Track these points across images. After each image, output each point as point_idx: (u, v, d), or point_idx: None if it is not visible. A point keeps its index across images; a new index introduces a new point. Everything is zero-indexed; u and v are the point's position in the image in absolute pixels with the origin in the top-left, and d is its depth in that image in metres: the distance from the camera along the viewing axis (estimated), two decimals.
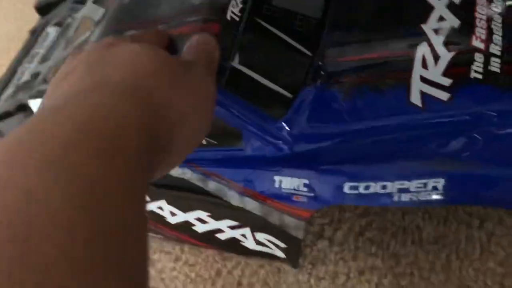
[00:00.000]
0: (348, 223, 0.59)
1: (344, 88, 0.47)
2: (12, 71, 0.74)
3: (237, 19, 0.49)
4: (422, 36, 0.46)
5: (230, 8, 0.49)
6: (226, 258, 0.60)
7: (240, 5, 0.50)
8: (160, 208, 0.54)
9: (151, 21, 0.53)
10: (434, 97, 0.44)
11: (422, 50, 0.46)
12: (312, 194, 0.46)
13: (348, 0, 0.52)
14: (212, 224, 0.54)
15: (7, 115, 0.63)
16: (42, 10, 0.82)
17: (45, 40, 0.73)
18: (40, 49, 0.72)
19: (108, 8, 0.60)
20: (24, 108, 0.59)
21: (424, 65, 0.45)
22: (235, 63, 0.47)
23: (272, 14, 0.51)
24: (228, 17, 0.49)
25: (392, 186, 0.42)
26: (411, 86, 0.45)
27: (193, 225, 0.55)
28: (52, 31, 0.73)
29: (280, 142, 0.46)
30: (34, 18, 0.85)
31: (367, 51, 0.48)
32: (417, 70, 0.45)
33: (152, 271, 0.62)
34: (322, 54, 0.49)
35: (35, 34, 0.78)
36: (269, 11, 0.51)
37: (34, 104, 0.56)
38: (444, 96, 0.43)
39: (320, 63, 0.49)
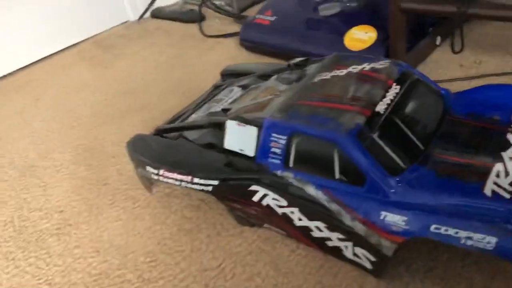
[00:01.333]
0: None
1: (440, 172, 0.72)
2: (197, 106, 1.07)
3: (382, 112, 0.77)
4: (500, 158, 0.71)
5: (379, 105, 0.78)
6: (328, 258, 0.82)
7: (385, 105, 0.78)
8: (292, 212, 0.78)
9: (327, 96, 0.82)
10: (499, 194, 0.67)
11: (498, 166, 0.70)
12: (407, 227, 0.68)
13: (454, 123, 0.79)
14: (326, 233, 0.76)
15: (198, 127, 0.94)
16: (225, 75, 1.20)
17: (230, 92, 1.06)
18: (225, 97, 1.05)
19: (294, 84, 0.90)
20: (216, 126, 0.89)
21: (498, 175, 0.69)
22: (375, 136, 0.74)
23: (402, 116, 0.78)
24: (377, 109, 0.77)
25: (462, 233, 0.64)
26: (486, 183, 0.68)
27: (312, 230, 0.78)
28: (237, 89, 1.06)
29: (391, 191, 0.71)
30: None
31: (461, 156, 0.74)
32: (492, 177, 0.69)
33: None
34: (430, 149, 0.76)
35: (218, 88, 1.13)
36: (401, 114, 0.78)
37: (229, 124, 0.85)
38: (507, 195, 0.67)
39: (428, 153, 0.75)
